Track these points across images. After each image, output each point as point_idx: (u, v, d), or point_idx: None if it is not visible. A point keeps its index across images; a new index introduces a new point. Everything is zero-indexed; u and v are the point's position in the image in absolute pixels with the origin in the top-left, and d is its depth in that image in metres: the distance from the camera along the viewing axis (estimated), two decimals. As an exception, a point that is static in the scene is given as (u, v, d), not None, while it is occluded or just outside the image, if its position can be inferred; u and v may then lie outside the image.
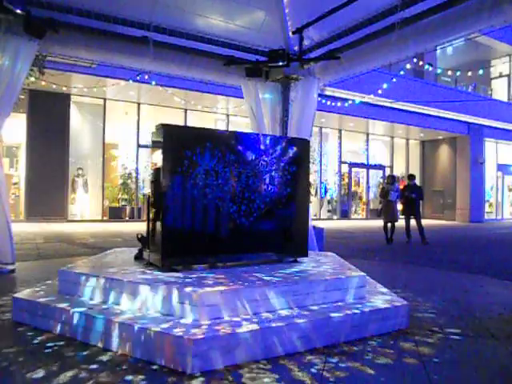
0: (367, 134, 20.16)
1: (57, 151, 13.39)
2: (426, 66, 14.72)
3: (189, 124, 14.74)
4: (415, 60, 11.31)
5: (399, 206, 10.68)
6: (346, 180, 19.60)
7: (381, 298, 3.55)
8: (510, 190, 23.36)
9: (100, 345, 2.80)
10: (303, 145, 4.26)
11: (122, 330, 2.73)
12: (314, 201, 17.27)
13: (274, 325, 2.76)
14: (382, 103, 16.05)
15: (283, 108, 7.00)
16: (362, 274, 3.68)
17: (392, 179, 10.83)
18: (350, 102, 13.44)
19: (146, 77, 9.75)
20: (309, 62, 6.55)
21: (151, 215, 3.80)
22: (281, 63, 6.46)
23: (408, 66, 11.31)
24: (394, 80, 11.57)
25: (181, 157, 3.48)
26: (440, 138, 20.99)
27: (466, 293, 4.71)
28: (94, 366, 2.50)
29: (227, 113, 16.10)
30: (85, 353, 2.70)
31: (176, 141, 3.54)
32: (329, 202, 19.45)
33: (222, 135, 4.04)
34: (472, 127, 19.95)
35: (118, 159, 15.77)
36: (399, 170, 20.81)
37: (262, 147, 3.91)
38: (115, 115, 14.86)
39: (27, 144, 13.16)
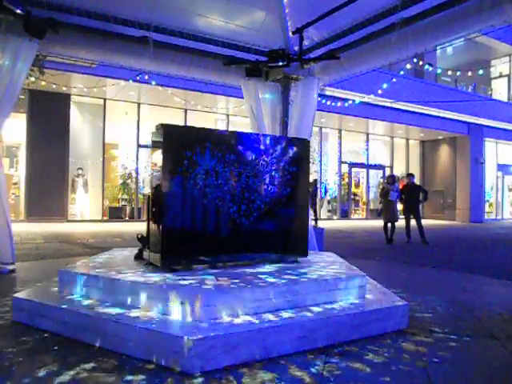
0: (367, 134, 20.17)
1: (57, 151, 13.40)
2: (426, 66, 14.71)
3: (189, 124, 14.74)
4: (415, 60, 11.29)
5: (399, 206, 10.69)
6: (346, 180, 19.61)
7: (381, 298, 3.55)
8: (510, 190, 23.37)
9: (100, 345, 2.80)
10: (303, 145, 4.26)
11: (121, 329, 2.73)
12: (313, 201, 17.25)
13: (273, 325, 2.76)
14: (382, 103, 16.06)
15: (283, 108, 6.99)
16: (362, 273, 3.68)
17: (392, 179, 10.83)
18: (350, 101, 13.44)
19: (146, 77, 9.74)
20: (309, 62, 6.54)
21: (151, 215, 3.80)
22: (281, 63, 6.46)
23: (408, 66, 11.29)
24: (394, 80, 11.56)
25: (181, 157, 3.48)
26: (440, 137, 21.00)
27: (466, 293, 4.71)
28: (94, 367, 2.50)
29: (227, 113, 16.11)
30: (84, 353, 2.70)
31: (176, 141, 3.54)
32: (329, 202, 19.45)
33: (222, 135, 4.04)
34: (472, 127, 19.95)
35: (118, 159, 15.78)
36: (399, 170, 20.81)
37: (262, 147, 3.91)
38: (115, 115, 14.86)
39: (27, 144, 13.17)
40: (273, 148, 3.96)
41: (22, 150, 13.80)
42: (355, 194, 20.27)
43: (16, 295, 3.43)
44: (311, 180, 15.95)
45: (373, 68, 6.44)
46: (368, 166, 20.22)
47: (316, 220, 14.80)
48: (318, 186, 15.75)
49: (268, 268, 3.75)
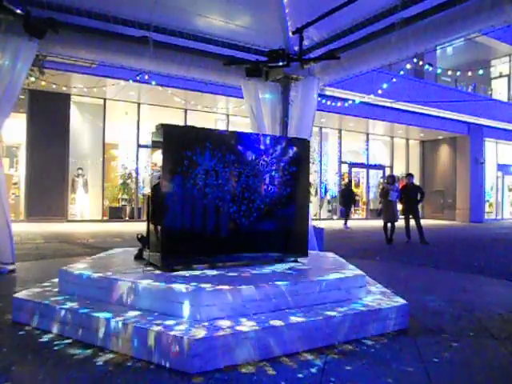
0: (367, 134, 20.16)
1: (57, 151, 13.39)
2: (426, 66, 14.70)
3: (189, 124, 14.73)
4: (415, 60, 11.28)
5: (399, 206, 10.69)
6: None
7: (381, 298, 3.55)
8: (510, 190, 23.37)
9: (100, 345, 2.80)
10: (303, 145, 4.26)
11: (121, 329, 2.73)
12: (313, 201, 17.27)
13: (273, 325, 2.76)
14: (382, 103, 16.04)
15: (283, 108, 6.99)
16: (362, 273, 3.68)
17: (392, 179, 10.83)
18: (350, 101, 13.43)
19: (146, 77, 9.74)
20: (309, 62, 6.54)
21: (151, 215, 3.80)
22: (281, 63, 6.45)
23: (408, 66, 11.28)
24: (394, 80, 11.54)
25: (181, 157, 3.48)
26: (440, 137, 20.99)
27: (466, 293, 4.71)
28: (94, 366, 2.50)
29: (227, 113, 16.10)
30: (84, 353, 2.70)
31: (176, 141, 3.55)
32: (329, 202, 19.45)
33: (222, 135, 4.04)
34: (472, 127, 19.94)
35: (118, 159, 15.78)
36: (399, 170, 20.79)
37: (262, 147, 3.91)
38: (115, 115, 14.85)
39: (27, 144, 13.16)
40: (273, 148, 3.96)
41: (22, 150, 13.79)
42: (355, 194, 20.25)
43: (16, 295, 3.43)
44: (344, 182, 16.20)
45: (373, 68, 6.43)
46: (368, 166, 20.22)
47: (346, 220, 15.11)
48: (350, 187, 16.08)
49: (268, 268, 3.75)
